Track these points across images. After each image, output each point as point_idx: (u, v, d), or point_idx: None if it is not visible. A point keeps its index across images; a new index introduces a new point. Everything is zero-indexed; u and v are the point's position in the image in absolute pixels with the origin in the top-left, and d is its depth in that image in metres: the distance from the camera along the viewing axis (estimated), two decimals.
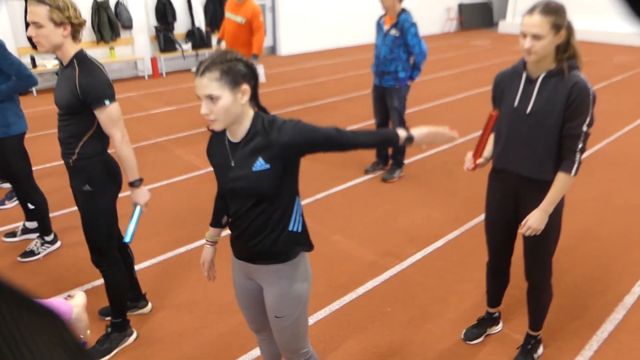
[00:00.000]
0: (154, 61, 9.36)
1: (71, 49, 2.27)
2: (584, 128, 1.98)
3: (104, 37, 8.78)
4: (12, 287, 0.52)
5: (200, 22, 9.92)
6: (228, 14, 5.44)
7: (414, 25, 4.13)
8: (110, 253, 2.54)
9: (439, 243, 3.61)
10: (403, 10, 4.18)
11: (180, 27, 9.71)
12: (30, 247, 3.47)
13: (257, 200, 1.66)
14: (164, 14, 9.36)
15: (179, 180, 4.75)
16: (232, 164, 1.66)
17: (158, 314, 2.92)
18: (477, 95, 7.72)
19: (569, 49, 2.01)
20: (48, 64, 8.13)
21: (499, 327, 2.74)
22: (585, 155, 2.07)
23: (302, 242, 1.77)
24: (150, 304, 2.94)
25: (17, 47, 7.81)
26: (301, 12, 11.55)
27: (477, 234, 3.68)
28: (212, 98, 1.52)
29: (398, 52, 4.21)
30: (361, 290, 3.10)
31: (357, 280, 3.19)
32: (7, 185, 4.46)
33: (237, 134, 1.64)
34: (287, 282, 1.75)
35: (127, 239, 2.35)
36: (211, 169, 4.88)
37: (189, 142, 5.78)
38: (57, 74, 7.81)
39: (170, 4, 9.38)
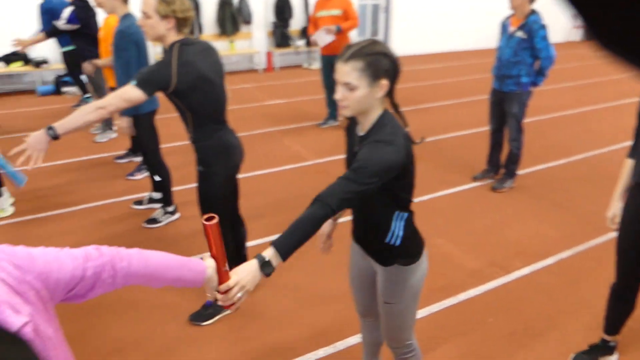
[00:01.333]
0: (269, 55, 9.77)
1: (173, 39, 2.35)
2: None
3: (226, 31, 9.32)
4: None
5: None
6: (321, 12, 5.74)
7: (543, 27, 3.91)
8: (223, 228, 2.70)
9: (549, 260, 3.42)
10: (533, 12, 3.97)
11: (296, 23, 10.05)
12: (153, 215, 3.80)
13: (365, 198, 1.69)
14: (282, 11, 9.74)
15: (285, 169, 4.92)
16: (355, 150, 1.70)
17: (261, 291, 3.06)
18: (599, 110, 7.18)
19: None
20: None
21: (614, 358, 2.54)
22: None
23: (404, 254, 1.76)
24: None
25: None
26: (416, 13, 11.44)
27: (593, 256, 3.44)
28: (349, 87, 1.54)
29: (523, 56, 4.02)
30: (462, 296, 3.02)
31: (458, 285, 3.12)
32: (138, 159, 4.91)
33: (364, 126, 1.66)
34: (399, 269, 1.76)
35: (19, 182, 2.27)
36: (317, 160, 5.08)
37: (297, 133, 5.97)
38: None
39: (288, 1, 9.73)
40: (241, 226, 2.94)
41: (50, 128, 2.08)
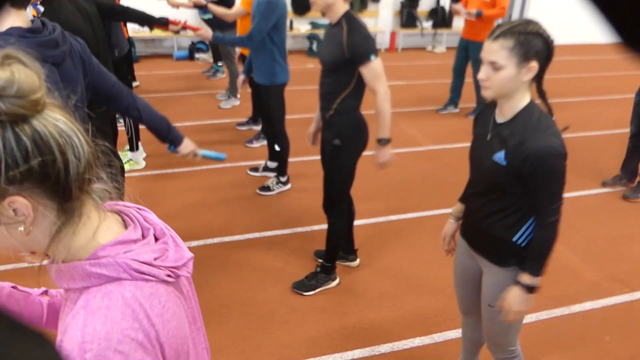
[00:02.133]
0: (392, 35, 9.62)
1: (341, 8, 2.40)
2: None
3: (353, 6, 9.31)
4: (1, 310, 0.53)
5: (446, 1, 9.80)
6: None
7: None
8: (340, 205, 2.75)
9: None
10: None
11: (425, 4, 9.75)
12: (267, 184, 3.97)
13: (489, 189, 1.61)
14: None
15: (399, 152, 4.86)
16: (488, 139, 1.61)
17: (363, 270, 3.08)
18: None
19: None
20: (302, 28, 8.98)
21: None
22: None
23: (523, 257, 1.66)
24: (358, 260, 3.12)
25: None
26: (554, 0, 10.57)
27: None
28: (495, 65, 1.46)
29: None
30: (576, 308, 2.81)
31: (573, 296, 2.90)
32: (257, 128, 5.13)
33: (504, 112, 1.56)
34: (510, 274, 1.67)
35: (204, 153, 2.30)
36: (432, 147, 4.95)
37: (414, 117, 5.85)
38: (309, 39, 8.52)
39: None
40: (351, 204, 2.97)
41: (385, 140, 2.55)
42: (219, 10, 4.23)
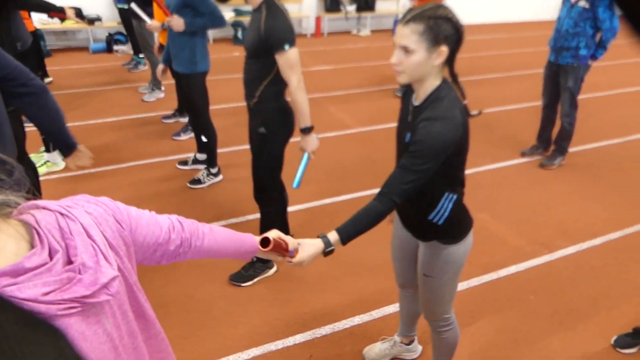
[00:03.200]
0: (317, 20, 9.63)
1: None
2: None
3: None
4: (16, 305, 0.52)
5: None
6: None
7: None
8: (272, 193, 2.73)
9: (596, 241, 3.30)
10: None
11: None
12: (197, 176, 3.88)
13: None
14: None
15: (328, 136, 4.90)
16: (409, 120, 1.64)
17: None
18: None
19: None
20: (226, 15, 8.79)
21: None
22: None
23: (450, 234, 1.73)
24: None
25: None
26: None
27: None
28: (406, 50, 1.48)
29: (584, 27, 3.81)
30: (503, 272, 2.97)
31: (499, 261, 3.07)
32: (184, 120, 4.99)
33: (419, 95, 1.59)
34: (444, 243, 1.74)
35: (295, 185, 2.45)
36: (361, 129, 5.02)
37: (343, 101, 5.91)
38: (234, 26, 8.31)
39: None
40: (284, 191, 2.96)
41: (307, 128, 2.52)
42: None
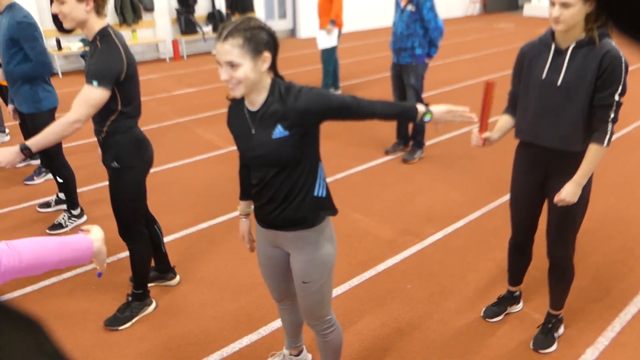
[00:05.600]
0: (175, 44, 9.41)
1: (96, 25, 2.25)
2: (616, 97, 1.93)
3: (126, 19, 8.85)
4: None
5: (221, 4, 9.91)
6: None
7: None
8: (136, 228, 2.59)
9: (459, 223, 3.59)
10: None
11: (201, 9, 9.74)
12: (58, 220, 3.57)
13: (280, 168, 1.67)
14: None
15: (199, 159, 4.79)
16: (253, 132, 1.67)
17: (181, 286, 2.97)
18: (499, 78, 7.60)
19: (600, 17, 1.93)
20: (73, 46, 8.23)
21: (520, 306, 2.73)
22: (614, 137, 2.03)
23: (327, 206, 1.79)
24: (178, 277, 3.00)
25: (43, 29, 7.90)
26: None
27: (498, 215, 3.66)
28: (232, 65, 1.52)
29: (414, 28, 4.20)
30: (381, 267, 3.11)
31: (376, 257, 3.21)
32: (36, 162, 4.56)
33: (255, 102, 1.65)
34: (314, 247, 1.77)
35: None
36: (231, 148, 4.97)
37: (210, 122, 5.82)
38: (82, 56, 7.86)
39: None
40: (154, 223, 2.83)
41: (25, 147, 2.10)
42: None
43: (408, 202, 3.93)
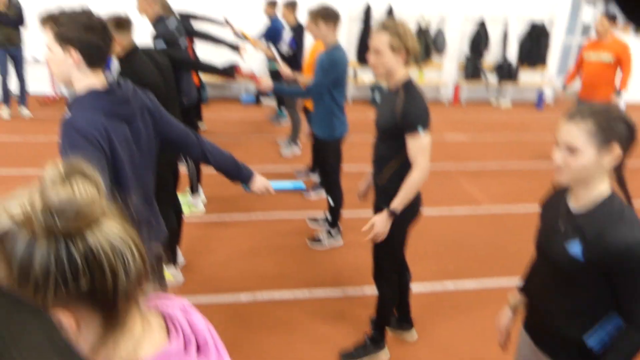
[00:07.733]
0: (456, 88, 9.55)
1: (402, 76, 2.34)
2: None
3: (416, 60, 9.35)
4: (2, 288, 0.53)
5: (513, 56, 9.66)
6: (590, 55, 5.24)
7: None
8: (388, 273, 2.65)
9: None
10: None
11: (491, 57, 9.66)
12: (319, 236, 3.95)
13: (562, 282, 1.48)
14: (478, 44, 9.43)
15: (456, 210, 4.71)
16: (561, 230, 1.48)
17: (415, 343, 2.93)
18: None
19: None
20: (366, 78, 9.10)
21: None
22: None
23: None
24: (415, 333, 2.96)
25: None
26: None
27: None
28: (571, 149, 1.36)
29: None
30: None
31: None
32: (316, 179, 5.15)
33: (579, 200, 1.44)
34: None
35: (273, 186, 2.34)
36: (492, 208, 4.73)
37: (476, 175, 5.68)
38: (372, 89, 8.49)
39: (486, 34, 9.39)
40: (407, 270, 2.86)
41: (392, 212, 2.34)
42: (286, 71, 4.15)
43: None
